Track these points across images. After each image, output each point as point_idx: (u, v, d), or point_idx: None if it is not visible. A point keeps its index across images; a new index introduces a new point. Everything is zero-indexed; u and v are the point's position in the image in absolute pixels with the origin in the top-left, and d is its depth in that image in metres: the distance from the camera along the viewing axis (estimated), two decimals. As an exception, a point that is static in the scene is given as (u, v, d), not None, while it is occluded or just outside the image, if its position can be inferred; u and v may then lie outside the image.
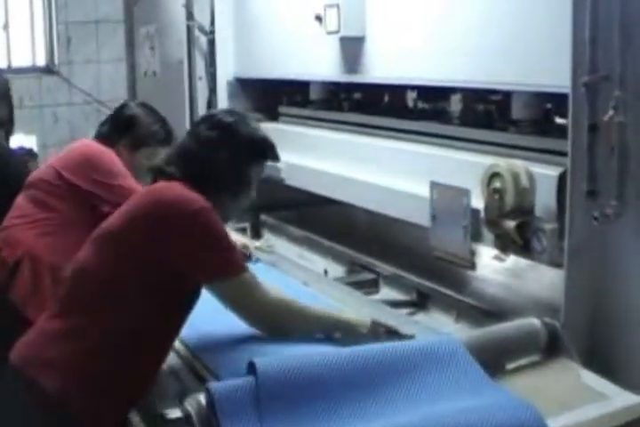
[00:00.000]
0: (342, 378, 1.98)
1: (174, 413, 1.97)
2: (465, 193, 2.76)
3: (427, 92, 3.58)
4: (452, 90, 3.32)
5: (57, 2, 6.66)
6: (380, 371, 2.01)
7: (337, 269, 3.89)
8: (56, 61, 6.79)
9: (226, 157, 2.44)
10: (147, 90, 6.17)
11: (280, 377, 1.96)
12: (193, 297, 2.47)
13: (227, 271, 2.37)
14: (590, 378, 2.15)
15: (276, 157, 2.67)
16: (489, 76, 2.82)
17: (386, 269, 3.57)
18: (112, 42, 6.72)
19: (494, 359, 2.24)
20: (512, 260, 2.80)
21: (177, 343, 2.57)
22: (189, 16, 4.92)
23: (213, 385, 2.01)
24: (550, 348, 2.30)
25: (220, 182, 2.46)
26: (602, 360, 2.28)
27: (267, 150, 2.61)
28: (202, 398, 1.96)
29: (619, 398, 2.05)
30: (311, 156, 4.02)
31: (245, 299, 2.40)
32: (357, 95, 4.14)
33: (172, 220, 2.35)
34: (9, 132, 4.62)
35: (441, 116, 3.44)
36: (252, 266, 2.60)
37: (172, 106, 5.26)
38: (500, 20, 2.74)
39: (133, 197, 2.53)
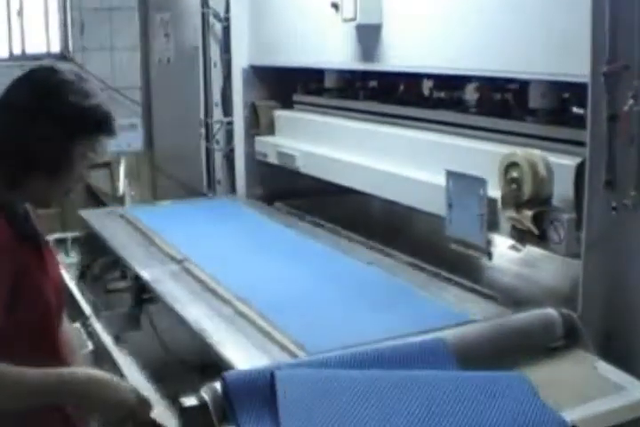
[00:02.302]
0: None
1: (190, 400, 1.97)
2: (481, 182, 2.75)
3: (443, 81, 3.57)
4: (469, 79, 3.30)
5: (71, -12, 6.67)
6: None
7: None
8: (70, 48, 6.79)
9: (43, 129, 1.96)
10: (161, 77, 6.17)
11: (301, 384, 1.96)
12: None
13: None
14: (607, 370, 2.15)
15: (110, 131, 2.10)
16: (507, 64, 2.80)
17: (401, 257, 3.56)
18: (126, 29, 6.71)
19: (510, 350, 2.23)
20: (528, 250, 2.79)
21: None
22: (204, 3, 4.91)
23: (229, 374, 2.01)
24: (567, 339, 2.30)
25: (31, 160, 1.97)
26: (619, 352, 2.27)
27: (100, 123, 2.07)
28: (218, 386, 1.96)
29: (636, 390, 2.04)
30: (326, 144, 4.02)
31: None
32: (373, 84, 4.13)
33: None
34: None
35: (457, 105, 3.43)
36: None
37: (186, 93, 5.27)
38: (520, 8, 2.72)
39: None
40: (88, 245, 4.32)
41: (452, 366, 2.12)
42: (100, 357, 2.89)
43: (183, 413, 1.97)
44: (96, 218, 4.37)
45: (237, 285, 3.06)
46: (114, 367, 2.75)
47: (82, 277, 4.11)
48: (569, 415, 1.89)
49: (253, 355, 2.48)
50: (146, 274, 3.33)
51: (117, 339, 2.97)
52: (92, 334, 3.05)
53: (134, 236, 3.97)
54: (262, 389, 1.95)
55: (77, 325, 3.10)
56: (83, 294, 3.53)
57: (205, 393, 1.96)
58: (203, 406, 1.95)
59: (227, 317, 2.82)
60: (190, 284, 3.17)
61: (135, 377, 2.65)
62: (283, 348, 2.50)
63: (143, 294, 3.50)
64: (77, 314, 3.24)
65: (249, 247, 3.71)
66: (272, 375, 1.96)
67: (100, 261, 4.73)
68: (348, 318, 2.78)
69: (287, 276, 3.26)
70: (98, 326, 3.11)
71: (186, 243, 3.68)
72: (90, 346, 2.93)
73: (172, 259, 3.48)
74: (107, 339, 2.98)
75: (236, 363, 2.37)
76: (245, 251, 3.65)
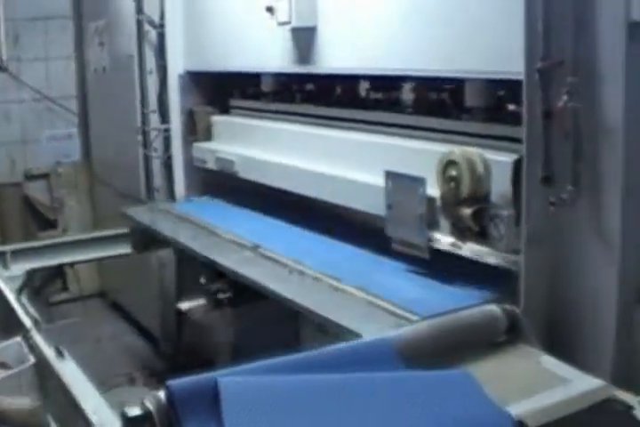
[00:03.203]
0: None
1: (134, 411, 1.93)
2: (420, 182, 2.75)
3: (379, 82, 3.57)
4: (405, 79, 3.31)
5: (4, -2, 6.55)
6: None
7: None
8: (4, 58, 6.68)
9: None
10: (97, 86, 6.11)
11: (245, 391, 1.93)
12: None
13: None
14: (551, 363, 2.15)
15: None
16: (442, 64, 2.81)
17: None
18: (61, 38, 6.62)
19: (455, 347, 2.23)
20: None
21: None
22: (139, 9, 4.87)
23: (173, 382, 1.98)
24: (510, 334, 2.30)
25: None
26: (562, 345, 2.29)
27: None
28: (162, 395, 1.93)
29: (580, 382, 2.05)
30: (264, 148, 4.00)
31: None
32: (310, 86, 4.12)
33: None
34: None
35: (394, 105, 3.43)
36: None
37: (122, 101, 5.22)
38: (454, 7, 2.73)
39: None
40: (135, 242, 4.36)
41: (397, 366, 2.11)
42: (42, 369, 2.84)
43: (127, 423, 1.93)
44: (142, 214, 4.42)
45: (320, 264, 3.13)
46: (57, 380, 2.70)
47: (22, 289, 4.04)
48: (514, 410, 1.89)
49: (370, 323, 2.56)
50: (225, 261, 3.37)
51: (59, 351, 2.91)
52: (33, 348, 3.00)
53: (190, 228, 4.03)
54: (206, 397, 1.92)
55: (18, 338, 3.04)
56: (23, 307, 3.47)
57: (149, 402, 1.93)
58: (147, 415, 1.92)
59: (325, 292, 2.89)
60: (272, 267, 3.24)
61: (80, 389, 2.61)
62: (392, 314, 2.60)
63: (217, 281, 3.55)
64: (18, 327, 3.19)
65: (303, 234, 3.76)
66: (215, 383, 1.94)
67: (41, 273, 4.65)
68: (439, 284, 2.86)
69: (362, 254, 3.33)
70: (39, 339, 3.05)
71: (245, 232, 3.73)
72: (32, 359, 2.88)
73: (242, 246, 3.53)
74: (48, 352, 2.93)
75: (361, 332, 2.44)
76: (303, 237, 3.70)
